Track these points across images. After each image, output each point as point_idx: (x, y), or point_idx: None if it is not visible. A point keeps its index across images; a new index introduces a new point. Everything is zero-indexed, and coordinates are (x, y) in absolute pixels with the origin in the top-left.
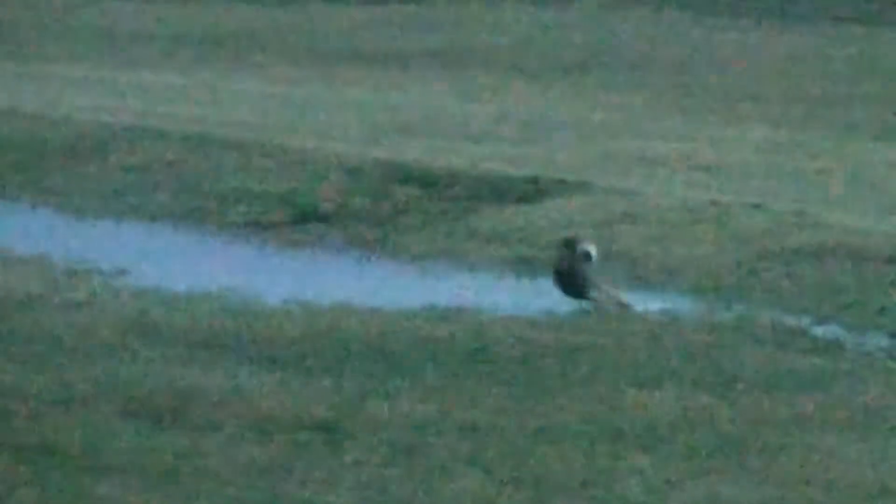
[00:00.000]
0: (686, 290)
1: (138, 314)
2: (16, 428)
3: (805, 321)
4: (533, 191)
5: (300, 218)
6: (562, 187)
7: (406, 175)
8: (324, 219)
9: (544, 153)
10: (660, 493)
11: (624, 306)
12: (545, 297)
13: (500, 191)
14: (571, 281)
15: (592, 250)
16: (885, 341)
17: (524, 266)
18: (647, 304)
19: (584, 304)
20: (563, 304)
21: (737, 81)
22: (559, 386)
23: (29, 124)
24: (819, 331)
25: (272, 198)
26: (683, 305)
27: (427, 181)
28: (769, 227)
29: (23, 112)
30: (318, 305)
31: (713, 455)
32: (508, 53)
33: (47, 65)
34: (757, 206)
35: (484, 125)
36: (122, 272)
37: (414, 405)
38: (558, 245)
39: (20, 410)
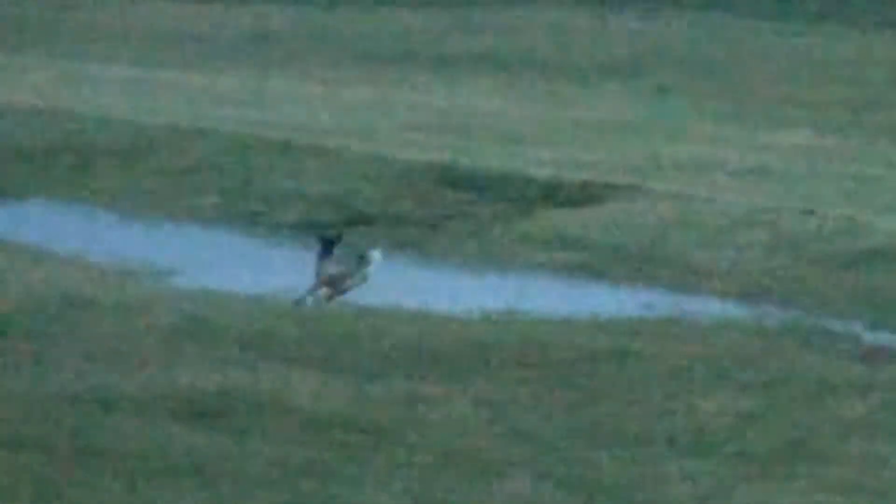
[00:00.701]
0: (736, 295)
1: (189, 316)
2: (67, 430)
3: (855, 327)
4: (584, 195)
5: (349, 220)
6: (612, 191)
7: (456, 178)
8: (372, 221)
9: (595, 157)
10: (710, 497)
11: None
12: (597, 301)
13: (551, 195)
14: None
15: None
16: None
17: (576, 270)
18: (697, 307)
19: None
20: (615, 308)
21: (785, 86)
22: (610, 390)
23: (81, 126)
24: (869, 337)
25: (321, 200)
26: (734, 310)
27: (477, 184)
28: (819, 233)
29: (75, 114)
30: (367, 308)
31: (763, 460)
32: (558, 57)
33: (100, 66)
34: (808, 212)
35: (534, 129)
36: (173, 273)
37: (464, 408)
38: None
39: (71, 413)
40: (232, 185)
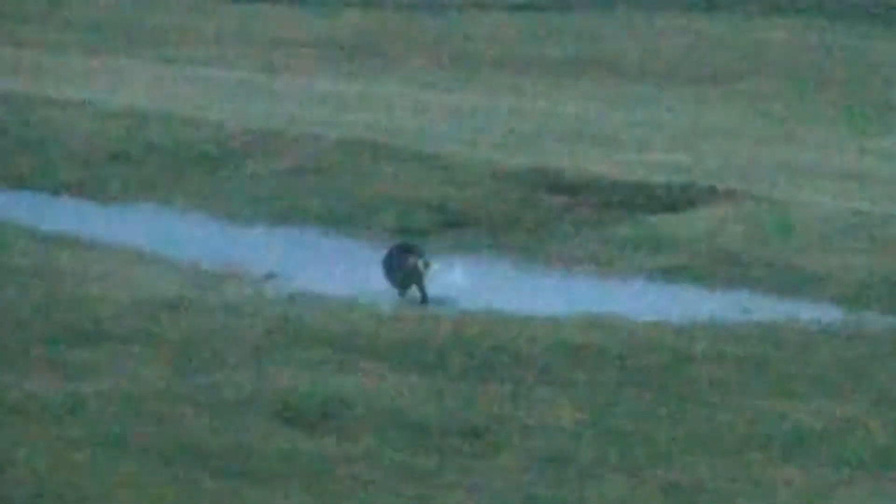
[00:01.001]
0: (836, 300)
1: (287, 318)
2: (164, 431)
3: None
4: (683, 199)
5: (449, 225)
6: (711, 196)
7: (556, 183)
8: (473, 225)
9: (694, 161)
10: (808, 502)
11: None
12: (695, 305)
13: (650, 199)
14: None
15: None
16: None
17: (674, 274)
18: (797, 313)
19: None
20: (713, 312)
21: (886, 90)
22: (708, 394)
23: (180, 128)
24: None
25: (421, 204)
26: (834, 315)
27: (577, 189)
28: None
29: (174, 116)
30: (467, 312)
31: (862, 466)
32: (657, 62)
33: (199, 68)
34: None
35: (633, 133)
36: (272, 276)
37: (563, 412)
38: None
39: (168, 413)
40: (331, 188)
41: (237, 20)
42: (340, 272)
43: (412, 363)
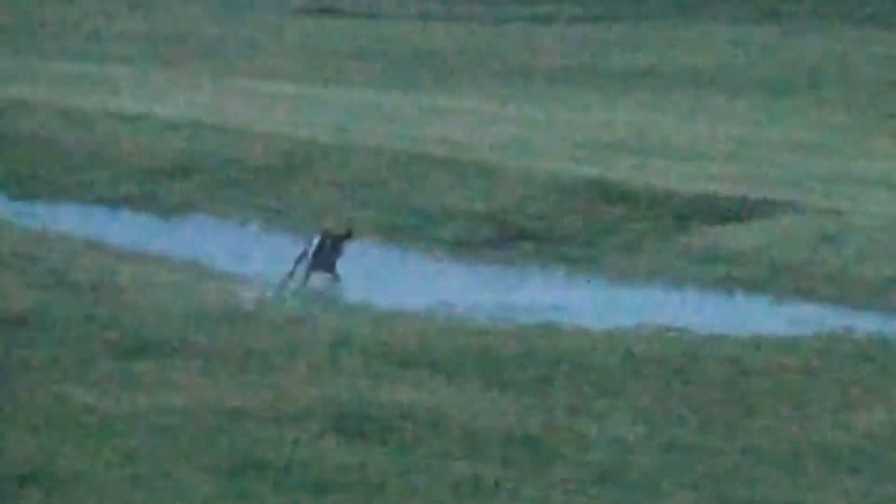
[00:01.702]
0: (894, 310)
1: (347, 331)
2: (223, 444)
3: None
4: (741, 210)
5: (508, 236)
6: (770, 207)
7: (614, 194)
8: (532, 237)
9: (752, 172)
10: None
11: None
12: (754, 316)
13: (709, 210)
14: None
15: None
16: None
17: (733, 286)
18: (855, 323)
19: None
20: (772, 323)
21: None
22: (767, 406)
23: (236, 140)
24: None
25: (480, 216)
26: (891, 326)
27: (635, 200)
28: None
29: (233, 128)
30: (526, 323)
31: None
32: (716, 73)
33: (254, 81)
34: None
35: (692, 144)
36: (333, 290)
37: (622, 424)
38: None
39: (230, 426)
40: (392, 200)
41: (298, 33)
42: (399, 285)
43: (471, 375)
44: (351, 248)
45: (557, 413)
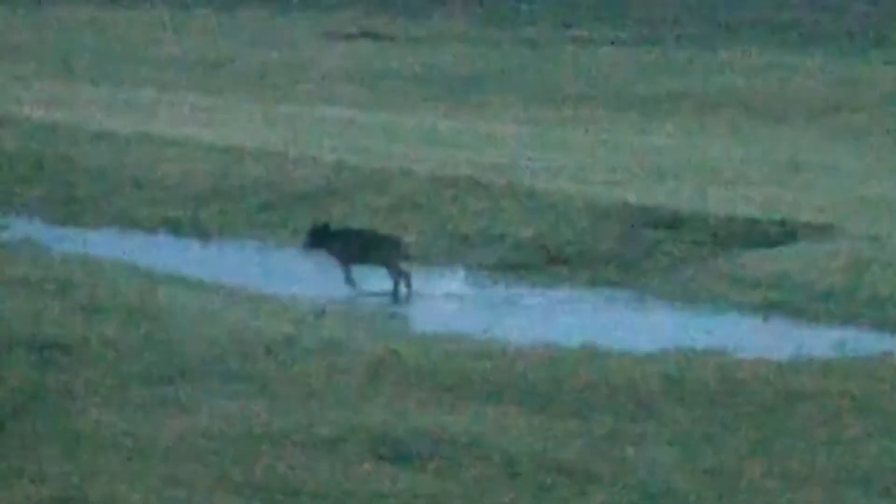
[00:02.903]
0: None
1: (386, 356)
2: (262, 468)
3: None
4: (781, 234)
5: (547, 260)
6: (809, 231)
7: (653, 218)
8: (570, 261)
9: (792, 197)
10: None
11: None
12: (793, 340)
13: (748, 234)
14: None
15: None
16: None
17: (772, 310)
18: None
19: None
20: (810, 347)
21: None
22: (807, 430)
23: (279, 165)
24: None
25: (519, 240)
26: None
27: (674, 224)
28: None
29: (274, 153)
30: (565, 347)
31: None
32: (755, 97)
33: (295, 105)
34: None
35: (731, 168)
36: (370, 314)
37: (661, 448)
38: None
39: (267, 451)
40: (431, 224)
41: (339, 57)
42: (438, 309)
43: (509, 399)
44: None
45: (596, 437)
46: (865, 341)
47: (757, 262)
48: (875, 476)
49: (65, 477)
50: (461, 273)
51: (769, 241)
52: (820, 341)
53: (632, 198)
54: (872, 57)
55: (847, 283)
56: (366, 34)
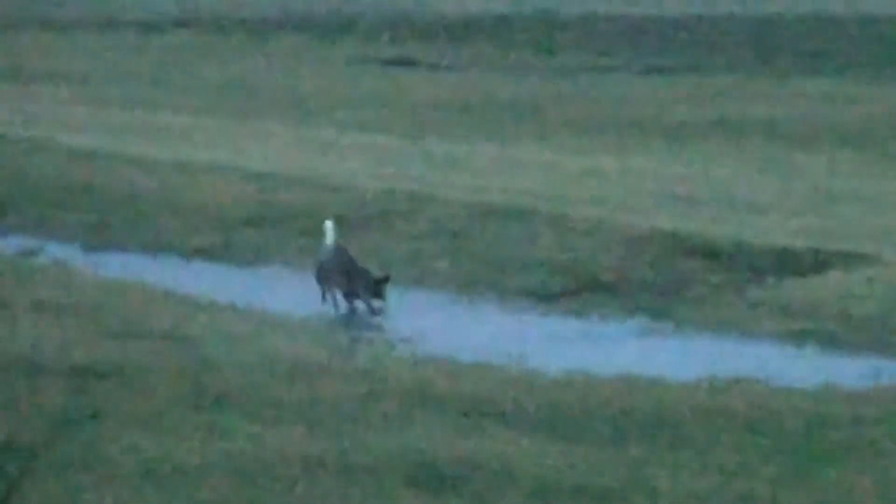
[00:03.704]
0: None
1: (420, 383)
2: (296, 495)
3: None
4: (815, 263)
5: (582, 288)
6: (844, 259)
7: (688, 246)
8: (605, 289)
9: (827, 225)
10: None
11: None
12: (827, 369)
13: (783, 263)
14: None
15: None
16: None
17: (806, 338)
18: None
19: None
20: (845, 376)
21: None
22: (841, 458)
23: (315, 192)
24: None
25: (554, 267)
26: None
27: (709, 252)
28: None
29: (309, 179)
30: (599, 375)
31: None
32: (790, 125)
33: (330, 132)
34: None
35: (767, 196)
36: (404, 340)
37: (695, 476)
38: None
39: (302, 477)
40: (465, 251)
41: (375, 84)
42: (473, 336)
43: (544, 427)
44: (422, 299)
45: (630, 466)
46: None
47: (791, 290)
48: None
49: (100, 502)
50: (495, 300)
51: (803, 270)
52: (854, 370)
53: (666, 226)
54: None
55: (881, 312)
56: (401, 61)
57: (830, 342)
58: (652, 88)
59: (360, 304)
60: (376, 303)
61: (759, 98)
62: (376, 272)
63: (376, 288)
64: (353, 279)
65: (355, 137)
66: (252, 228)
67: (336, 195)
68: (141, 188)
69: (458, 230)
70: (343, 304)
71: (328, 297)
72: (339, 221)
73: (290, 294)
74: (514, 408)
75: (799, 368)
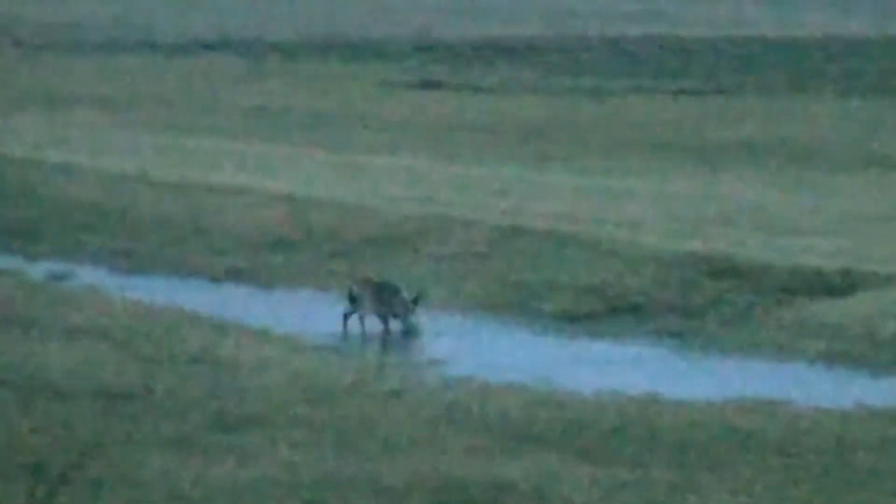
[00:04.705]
0: None
1: (449, 404)
2: None
3: None
4: (845, 283)
5: (611, 309)
6: (874, 280)
7: (717, 268)
8: (634, 310)
9: (858, 246)
10: None
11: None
12: (858, 390)
13: (812, 283)
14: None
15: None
16: None
17: (836, 359)
18: None
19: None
20: (875, 396)
21: None
22: (871, 480)
23: (339, 214)
24: None
25: (583, 289)
26: None
27: (738, 274)
28: None
29: (332, 202)
30: (628, 396)
31: None
32: (821, 146)
33: (357, 154)
34: None
35: (794, 217)
36: (434, 362)
37: (724, 498)
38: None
39: (333, 499)
40: (494, 273)
41: (402, 107)
42: (502, 358)
43: (574, 449)
44: (451, 321)
45: (658, 487)
46: None
47: (820, 311)
48: None
49: None
50: (523, 322)
51: (832, 291)
52: (883, 391)
53: (695, 248)
54: None
55: None
56: (428, 84)
57: (859, 363)
58: (682, 110)
59: (394, 325)
60: (412, 318)
61: (789, 120)
62: (407, 292)
63: (410, 306)
64: (388, 299)
65: (384, 160)
66: (281, 251)
67: (364, 218)
68: (171, 212)
69: (487, 252)
70: (372, 326)
71: (358, 320)
72: (369, 244)
73: (319, 317)
74: (543, 429)
75: (828, 389)
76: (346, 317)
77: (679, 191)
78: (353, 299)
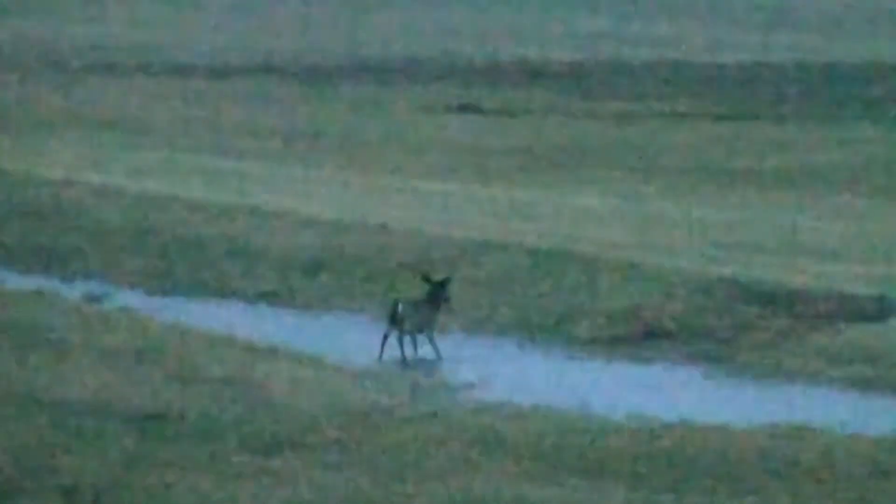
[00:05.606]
0: None
1: (483, 428)
2: None
3: None
4: (878, 309)
5: (645, 334)
6: None
7: (751, 293)
8: (668, 335)
9: (889, 272)
10: None
11: None
12: (889, 415)
13: (846, 309)
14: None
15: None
16: None
17: (869, 385)
18: None
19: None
20: None
21: None
22: None
23: (373, 237)
24: None
25: (616, 313)
26: None
27: (772, 299)
28: None
29: (367, 225)
30: (661, 421)
31: None
32: (853, 172)
33: (392, 178)
34: None
35: (828, 243)
36: (468, 386)
37: None
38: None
39: None
40: (528, 298)
41: (437, 130)
42: (536, 382)
43: (606, 473)
44: (485, 345)
45: None
46: None
47: (853, 337)
48: None
49: None
50: (558, 346)
51: (866, 317)
52: None
53: (729, 273)
54: None
55: None
56: (464, 107)
57: (893, 389)
58: (717, 136)
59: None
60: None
61: (823, 145)
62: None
63: (442, 291)
64: (425, 312)
65: (418, 183)
66: (315, 274)
67: (400, 241)
68: (205, 234)
69: (522, 277)
70: (410, 348)
71: (396, 341)
72: (403, 268)
73: (353, 339)
74: (576, 453)
75: (862, 415)
76: (385, 337)
77: (714, 216)
78: (393, 319)
